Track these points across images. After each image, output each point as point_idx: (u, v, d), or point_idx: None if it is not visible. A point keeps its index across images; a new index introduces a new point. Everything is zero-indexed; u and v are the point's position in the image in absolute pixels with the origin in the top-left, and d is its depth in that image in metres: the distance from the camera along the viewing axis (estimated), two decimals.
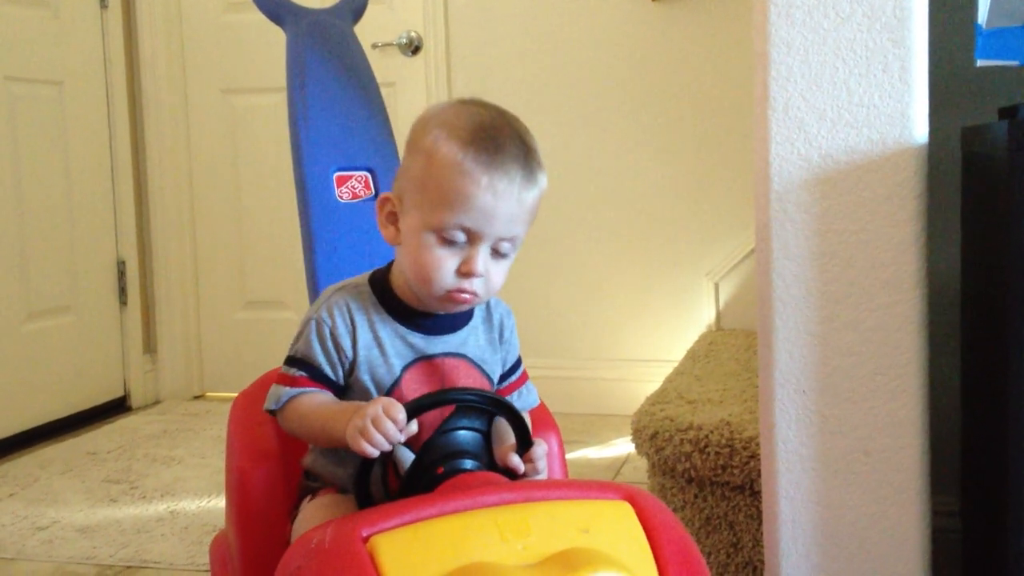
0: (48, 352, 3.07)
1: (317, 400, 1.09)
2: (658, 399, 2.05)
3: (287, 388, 1.10)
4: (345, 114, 1.49)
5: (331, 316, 1.10)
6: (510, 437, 1.10)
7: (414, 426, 1.03)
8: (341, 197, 1.45)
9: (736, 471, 1.73)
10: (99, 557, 2.08)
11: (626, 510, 0.98)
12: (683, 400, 2.02)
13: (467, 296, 1.07)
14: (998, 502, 1.34)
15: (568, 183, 3.08)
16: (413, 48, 3.20)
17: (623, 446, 2.72)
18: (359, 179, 1.47)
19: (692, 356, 2.57)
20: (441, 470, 1.04)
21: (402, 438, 1.01)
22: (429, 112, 1.11)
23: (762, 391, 1.47)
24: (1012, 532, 1.31)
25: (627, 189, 3.09)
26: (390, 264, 1.15)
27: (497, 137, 1.04)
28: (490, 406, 1.07)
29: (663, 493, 1.87)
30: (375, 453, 1.00)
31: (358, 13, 1.63)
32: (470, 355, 1.15)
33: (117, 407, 3.35)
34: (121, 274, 3.36)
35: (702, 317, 3.05)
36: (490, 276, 1.07)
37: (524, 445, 1.08)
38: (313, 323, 1.11)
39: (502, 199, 1.04)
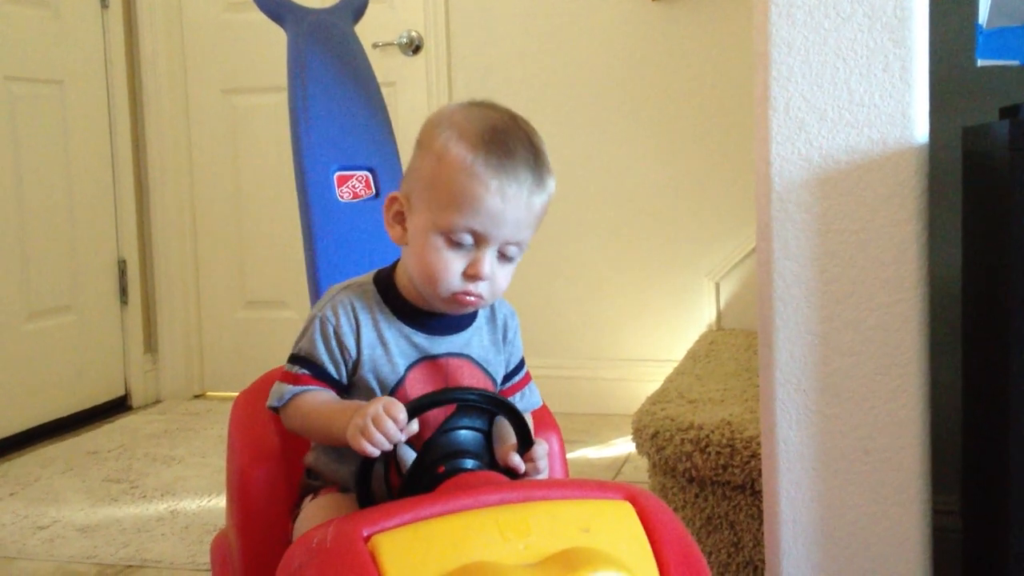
0: (49, 352, 3.07)
1: (320, 398, 1.10)
2: (659, 399, 2.05)
3: (290, 386, 1.10)
4: (345, 114, 1.49)
5: (335, 315, 1.11)
6: (511, 437, 1.10)
7: (415, 425, 1.03)
8: (341, 197, 1.45)
9: (737, 471, 1.73)
10: (100, 556, 2.08)
11: (627, 510, 0.98)
12: (684, 400, 2.02)
13: (472, 299, 1.07)
14: (998, 502, 1.34)
15: (568, 183, 3.08)
16: (414, 48, 3.20)
17: (624, 446, 2.72)
18: (359, 179, 1.47)
19: (693, 356, 2.57)
20: (442, 469, 1.04)
21: (403, 437, 1.01)
22: (440, 113, 1.10)
23: (763, 391, 1.47)
24: (1012, 532, 1.31)
25: (627, 189, 3.09)
26: (395, 263, 1.15)
27: (508, 141, 1.04)
28: (491, 406, 1.07)
29: (664, 493, 1.88)
30: (375, 452, 1.00)
31: (359, 13, 1.63)
32: (474, 355, 1.15)
33: (118, 406, 3.35)
34: (122, 273, 3.36)
35: (702, 317, 3.05)
36: (496, 279, 1.07)
37: (525, 444, 1.09)
38: (317, 321, 1.11)
39: (511, 203, 1.04)
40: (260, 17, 1.59)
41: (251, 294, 3.46)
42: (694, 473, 1.79)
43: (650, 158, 3.07)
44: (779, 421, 1.45)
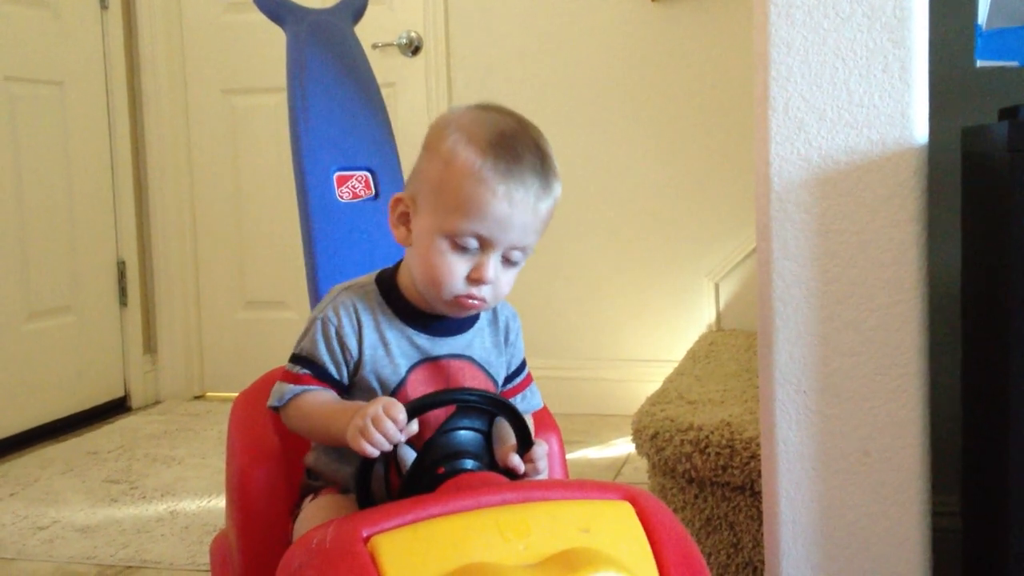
0: (48, 352, 3.07)
1: (320, 398, 1.10)
2: (658, 399, 2.05)
3: (291, 385, 1.11)
4: (345, 114, 1.49)
5: (337, 316, 1.11)
6: (511, 438, 1.10)
7: (415, 426, 1.03)
8: (341, 197, 1.45)
9: (736, 471, 1.73)
10: (99, 557, 2.08)
11: (627, 510, 0.98)
12: (683, 400, 2.02)
13: (475, 302, 1.07)
14: (998, 502, 1.34)
15: (568, 183, 3.05)
16: (413, 48, 3.20)
17: (623, 446, 2.72)
18: (359, 179, 1.47)
19: (692, 356, 2.57)
20: (442, 470, 1.04)
21: (402, 438, 1.01)
22: (448, 115, 1.10)
23: (762, 391, 1.47)
24: (1012, 532, 1.31)
25: (627, 189, 3.09)
26: (398, 264, 1.15)
27: (516, 146, 1.04)
28: (490, 406, 1.07)
29: (663, 493, 1.88)
30: (375, 453, 1.00)
31: (358, 13, 1.63)
32: (476, 357, 1.15)
33: (117, 407, 3.35)
34: (121, 274, 3.36)
35: (702, 317, 3.05)
36: (499, 283, 1.07)
37: (525, 445, 1.09)
38: (319, 322, 1.11)
39: (518, 209, 1.03)
40: (260, 17, 1.59)
41: (251, 294, 3.46)
42: (694, 474, 1.79)
43: (650, 158, 3.07)
44: (779, 422, 1.45)
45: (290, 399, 1.11)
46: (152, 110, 3.40)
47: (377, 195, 1.47)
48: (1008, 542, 1.31)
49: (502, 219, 1.03)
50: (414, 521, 0.92)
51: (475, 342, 1.15)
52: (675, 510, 1.83)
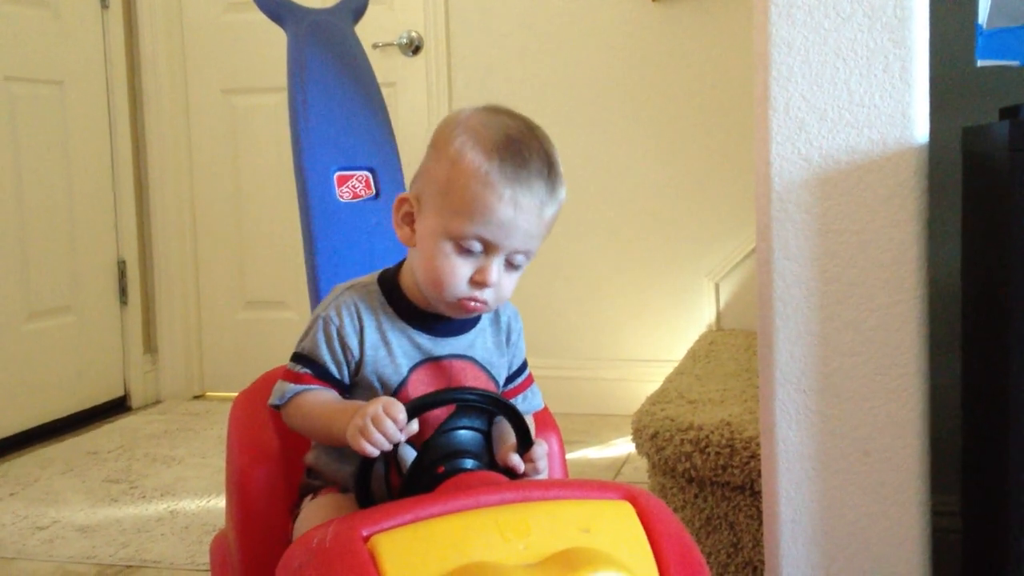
0: (48, 352, 3.07)
1: (321, 398, 1.10)
2: (658, 399, 2.05)
3: (292, 384, 1.11)
4: (345, 114, 1.49)
5: (339, 315, 1.11)
6: (511, 437, 1.10)
7: (415, 425, 1.03)
8: (342, 197, 1.45)
9: (736, 471, 1.73)
10: (99, 557, 2.08)
11: (626, 510, 0.98)
12: (683, 400, 2.02)
13: (477, 304, 1.07)
14: (998, 502, 1.34)
15: (568, 183, 3.06)
16: (413, 48, 3.20)
17: (623, 446, 2.72)
18: (360, 179, 1.47)
19: (692, 356, 2.57)
20: (442, 469, 1.04)
21: (402, 437, 1.01)
22: (456, 116, 1.09)
23: (762, 391, 1.47)
24: (1012, 532, 1.31)
25: (627, 189, 3.09)
26: (400, 264, 1.15)
27: (523, 150, 1.04)
28: (490, 405, 1.07)
29: (663, 493, 1.87)
30: (375, 452, 1.00)
31: (358, 13, 1.63)
32: (477, 357, 1.15)
33: (117, 407, 3.35)
34: (121, 274, 3.36)
35: (702, 317, 3.05)
36: (501, 286, 1.07)
37: (524, 445, 1.09)
38: (321, 321, 1.11)
39: (523, 213, 1.03)
40: (260, 17, 1.59)
41: (251, 294, 3.46)
42: (694, 473, 1.79)
43: (650, 158, 3.07)
44: (779, 421, 1.44)
45: (291, 398, 1.11)
46: (152, 110, 3.40)
47: (377, 195, 1.47)
48: (1008, 542, 1.31)
49: (507, 223, 1.03)
50: (414, 521, 0.92)
51: (477, 342, 1.15)
52: (675, 510, 1.83)
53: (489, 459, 1.09)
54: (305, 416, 1.10)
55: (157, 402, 3.44)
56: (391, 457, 1.06)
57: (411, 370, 1.11)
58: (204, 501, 2.40)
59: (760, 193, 1.44)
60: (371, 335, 1.11)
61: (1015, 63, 1.43)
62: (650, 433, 1.87)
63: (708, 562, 1.76)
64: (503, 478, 1.05)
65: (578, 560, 0.89)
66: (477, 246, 1.05)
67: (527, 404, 1.21)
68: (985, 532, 1.44)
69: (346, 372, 1.11)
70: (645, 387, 2.58)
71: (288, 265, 3.25)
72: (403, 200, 1.11)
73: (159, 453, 2.81)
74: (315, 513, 1.10)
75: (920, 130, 1.38)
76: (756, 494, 1.72)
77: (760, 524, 1.70)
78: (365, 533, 0.91)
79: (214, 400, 3.44)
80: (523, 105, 1.13)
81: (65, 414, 3.12)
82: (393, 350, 1.11)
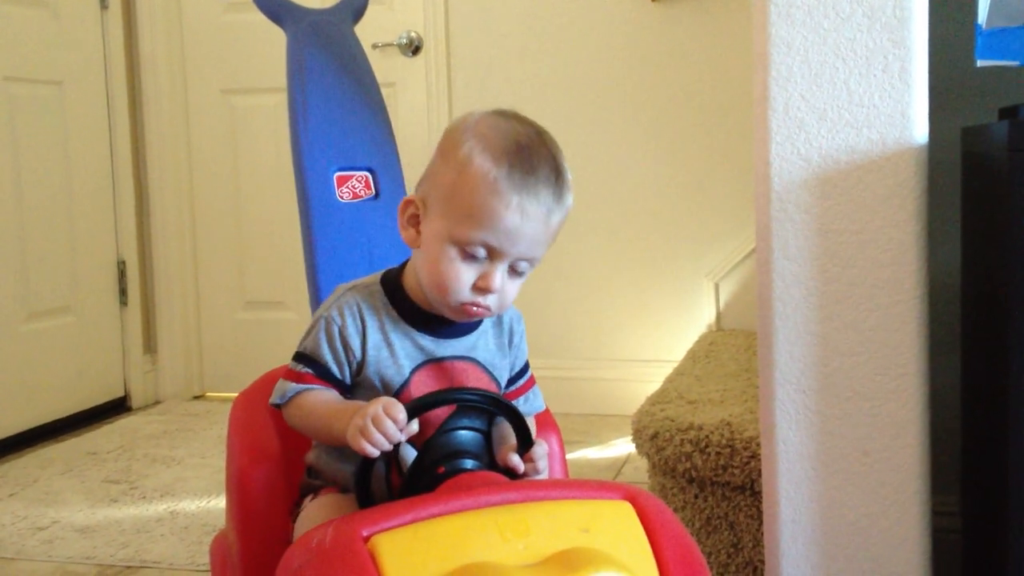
0: (48, 352, 3.07)
1: (322, 397, 1.10)
2: (658, 399, 2.05)
3: (293, 384, 1.11)
4: (345, 114, 1.49)
5: (341, 316, 1.11)
6: (511, 438, 1.10)
7: (415, 426, 1.03)
8: (341, 197, 1.45)
9: (736, 471, 1.73)
10: (99, 557, 2.08)
11: (626, 510, 0.98)
12: (683, 400, 2.02)
13: (479, 310, 1.07)
14: (998, 502, 1.34)
15: None
16: (413, 48, 3.20)
17: (623, 446, 2.72)
18: (359, 179, 1.47)
19: (692, 356, 2.57)
20: (442, 470, 1.04)
21: (402, 437, 1.01)
22: (465, 120, 1.09)
23: (762, 391, 1.47)
24: (1012, 532, 1.31)
25: (627, 189, 3.09)
26: (403, 265, 1.15)
27: (532, 158, 1.04)
28: (490, 406, 1.07)
29: (663, 493, 1.88)
30: (375, 453, 1.00)
31: (358, 13, 1.63)
32: (480, 359, 1.15)
33: (117, 407, 3.35)
34: (121, 274, 3.36)
35: (702, 317, 3.05)
36: (504, 292, 1.07)
37: (525, 445, 1.09)
38: (323, 321, 1.11)
39: (529, 221, 1.03)
40: (260, 18, 1.59)
41: (250, 295, 3.46)
42: (694, 474, 1.79)
43: (650, 158, 3.07)
44: (779, 422, 1.45)
45: (292, 397, 1.11)
46: (152, 110, 3.40)
47: (377, 195, 1.47)
48: (1008, 542, 1.31)
49: (513, 231, 1.03)
50: (414, 521, 0.92)
51: (479, 344, 1.15)
52: (675, 510, 1.83)
53: (489, 459, 1.09)
54: (306, 416, 1.10)
55: (157, 402, 3.44)
56: (391, 457, 1.06)
57: (413, 371, 1.11)
58: (204, 501, 2.40)
59: (759, 193, 1.44)
60: (373, 336, 1.11)
61: (1014, 63, 1.43)
62: (650, 433, 1.87)
63: (708, 562, 1.76)
64: (503, 478, 1.05)
65: (578, 560, 0.89)
66: (482, 252, 1.05)
67: (528, 406, 1.21)
68: (985, 532, 1.44)
69: (347, 372, 1.11)
70: (645, 387, 2.59)
71: (288, 265, 3.25)
72: (409, 202, 1.11)
73: (159, 453, 2.81)
74: (315, 513, 1.10)
75: (919, 130, 1.38)
76: (756, 494, 1.72)
77: (760, 524, 1.70)
78: (365, 533, 0.91)
79: (214, 400, 3.44)
80: (523, 105, 1.13)
81: (65, 414, 3.12)
82: (395, 351, 1.11)
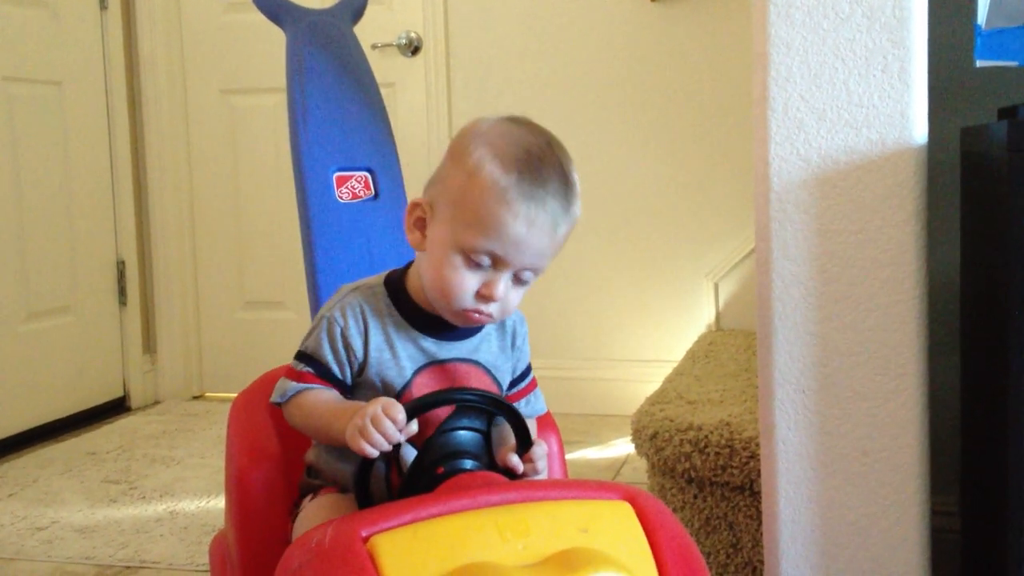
0: (48, 352, 3.07)
1: (322, 397, 1.10)
2: (658, 399, 2.05)
3: (293, 383, 1.11)
4: (345, 114, 1.49)
5: (344, 317, 1.11)
6: (511, 438, 1.10)
7: (414, 426, 1.03)
8: (341, 197, 1.45)
9: (736, 471, 1.73)
10: (98, 557, 2.08)
11: (626, 510, 0.98)
12: (683, 400, 2.02)
13: (481, 317, 1.07)
14: (998, 502, 1.34)
15: None
16: (413, 48, 3.20)
17: (623, 446, 2.72)
18: (359, 179, 1.47)
19: (692, 356, 2.57)
20: (441, 470, 1.04)
21: (402, 438, 1.01)
22: (476, 126, 1.08)
23: (762, 391, 1.47)
24: (1011, 533, 1.31)
25: (627, 189, 3.09)
26: (407, 266, 1.15)
27: (542, 168, 1.03)
28: (490, 406, 1.07)
29: (663, 493, 1.87)
30: (374, 453, 1.00)
31: (358, 13, 1.63)
32: (482, 361, 1.15)
33: (117, 407, 3.35)
34: (121, 274, 3.36)
35: (702, 317, 3.05)
36: (507, 300, 1.07)
37: (524, 445, 1.09)
38: (325, 321, 1.11)
39: (536, 232, 1.03)
40: (259, 18, 1.59)
41: (250, 295, 3.46)
42: (693, 474, 1.79)
43: (650, 158, 3.07)
44: (778, 422, 1.44)
45: (292, 396, 1.11)
46: (151, 110, 3.40)
47: (377, 195, 1.47)
48: (1007, 542, 1.31)
49: (519, 241, 1.03)
50: (413, 521, 0.92)
51: (482, 346, 1.15)
52: (675, 510, 1.83)
53: (489, 460, 1.09)
54: (306, 415, 1.10)
55: (156, 402, 3.44)
56: (391, 457, 1.06)
57: (415, 373, 1.11)
58: (203, 501, 2.39)
59: (759, 193, 1.44)
60: (376, 337, 1.11)
61: (1014, 63, 1.43)
62: (649, 433, 1.87)
63: (708, 562, 1.76)
64: (502, 479, 1.05)
65: (577, 560, 0.89)
66: (487, 260, 1.04)
67: (530, 408, 1.21)
68: (985, 532, 1.44)
69: (348, 373, 1.11)
70: (644, 387, 2.58)
71: (287, 265, 3.24)
72: (416, 205, 1.10)
73: (158, 453, 2.81)
74: (315, 513, 1.10)
75: (919, 130, 1.38)
76: (756, 494, 1.72)
77: (760, 524, 1.70)
78: (364, 533, 0.91)
79: (213, 400, 3.44)
80: (522, 105, 1.14)
81: (64, 414, 3.12)
82: (398, 353, 1.11)
